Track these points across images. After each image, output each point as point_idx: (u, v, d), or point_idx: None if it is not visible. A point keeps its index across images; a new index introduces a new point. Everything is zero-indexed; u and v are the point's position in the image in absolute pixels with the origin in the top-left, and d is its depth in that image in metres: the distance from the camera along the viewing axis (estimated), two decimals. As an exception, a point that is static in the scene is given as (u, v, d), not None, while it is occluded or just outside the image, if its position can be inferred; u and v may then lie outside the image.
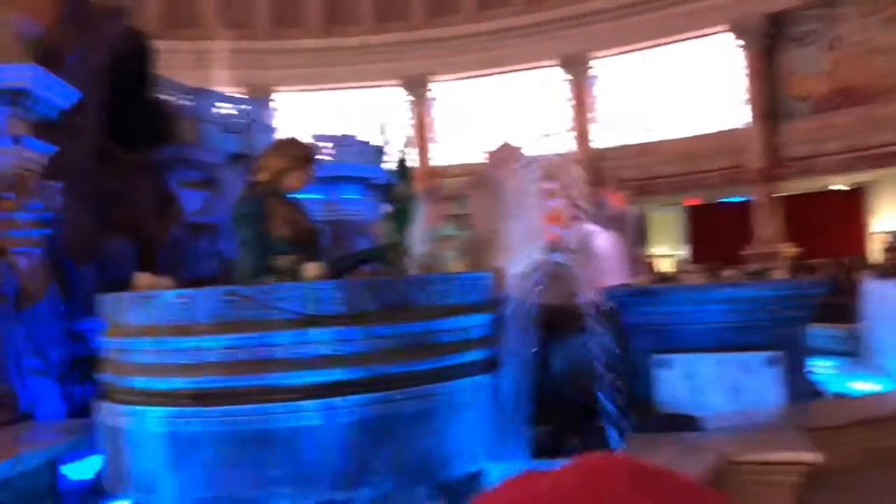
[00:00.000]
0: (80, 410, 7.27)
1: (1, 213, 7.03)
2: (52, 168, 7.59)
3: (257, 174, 5.01)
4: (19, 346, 6.75)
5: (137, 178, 8.91)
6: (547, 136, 22.41)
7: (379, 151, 13.35)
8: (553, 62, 23.82)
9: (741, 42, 21.83)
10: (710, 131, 22.67)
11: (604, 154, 23.31)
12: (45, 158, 7.51)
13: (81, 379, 7.46)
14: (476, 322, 4.58)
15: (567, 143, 23.30)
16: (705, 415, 4.88)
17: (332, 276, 5.14)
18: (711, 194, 23.03)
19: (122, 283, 7.84)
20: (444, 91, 25.37)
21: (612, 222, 8.03)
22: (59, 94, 7.46)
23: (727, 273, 6.21)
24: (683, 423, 4.78)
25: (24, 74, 6.91)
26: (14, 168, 7.06)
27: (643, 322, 5.81)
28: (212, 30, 22.20)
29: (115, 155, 8.85)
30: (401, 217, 5.04)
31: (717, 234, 21.89)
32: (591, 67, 23.77)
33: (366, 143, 16.41)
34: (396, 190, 4.80)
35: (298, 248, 4.76)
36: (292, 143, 5.17)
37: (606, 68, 23.93)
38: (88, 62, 8.28)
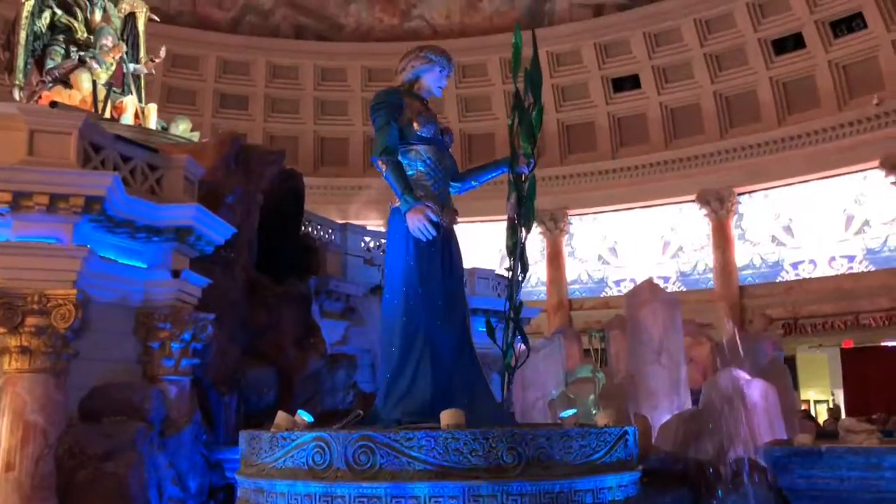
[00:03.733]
0: (212, 542, 7.29)
1: (156, 342, 7.39)
2: (204, 299, 7.96)
3: (397, 76, 5.30)
4: (161, 473, 6.88)
5: (283, 308, 9.21)
6: (687, 273, 21.75)
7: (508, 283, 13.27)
8: (690, 198, 23.44)
9: (893, 178, 20.74)
10: (865, 269, 21.36)
11: (749, 291, 22.34)
12: (199, 290, 7.90)
13: (215, 509, 7.51)
14: (621, 482, 4.25)
15: (709, 281, 22.50)
16: None
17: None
18: (867, 336, 21.42)
19: (262, 413, 7.96)
20: (580, 224, 25.37)
21: (765, 369, 7.50)
22: (218, 231, 7.91)
23: (903, 436, 5.57)
24: None
25: (187, 213, 7.37)
26: (171, 300, 7.45)
27: (806, 487, 5.28)
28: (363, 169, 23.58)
29: (264, 286, 9.22)
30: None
31: (876, 380, 20.19)
32: (735, 203, 23.17)
33: (498, 276, 16.42)
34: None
35: (426, 140, 5.04)
36: (430, 46, 5.41)
37: (748, 203, 23.26)
38: (245, 201, 8.80)
